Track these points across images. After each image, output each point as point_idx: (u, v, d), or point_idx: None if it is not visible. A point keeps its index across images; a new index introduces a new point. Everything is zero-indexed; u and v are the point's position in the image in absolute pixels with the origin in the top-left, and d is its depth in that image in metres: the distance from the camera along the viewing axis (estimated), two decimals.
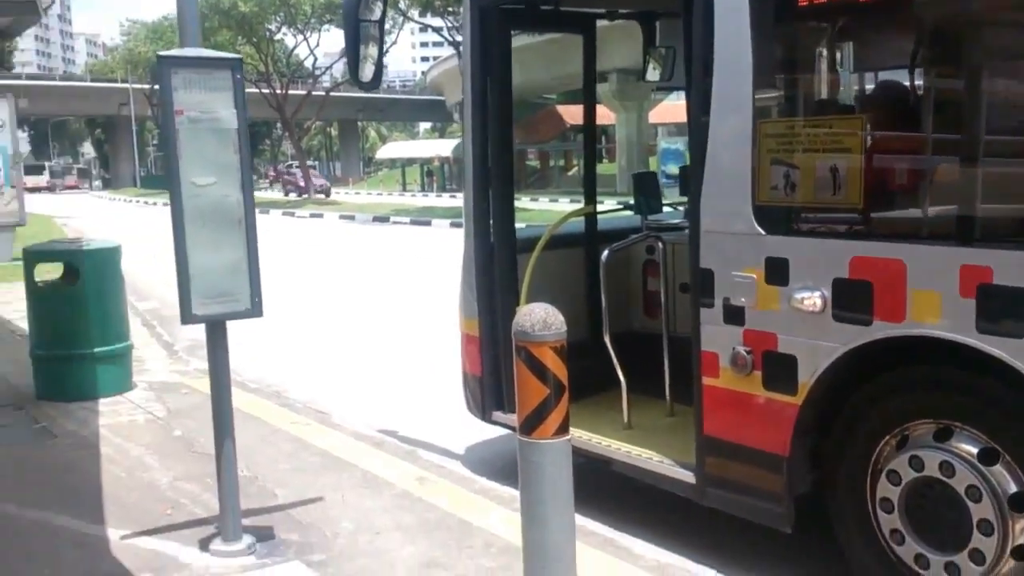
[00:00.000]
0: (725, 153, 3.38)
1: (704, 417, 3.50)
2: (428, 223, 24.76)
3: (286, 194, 46.07)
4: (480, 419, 4.74)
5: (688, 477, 3.63)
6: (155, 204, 40.90)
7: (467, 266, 4.62)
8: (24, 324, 9.24)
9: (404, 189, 54.45)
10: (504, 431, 4.75)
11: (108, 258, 6.38)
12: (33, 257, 6.46)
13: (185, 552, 3.70)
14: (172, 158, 3.39)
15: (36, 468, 4.89)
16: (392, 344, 8.56)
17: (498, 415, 4.58)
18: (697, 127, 3.48)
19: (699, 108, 3.46)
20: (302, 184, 45.27)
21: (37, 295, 6.37)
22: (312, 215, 29.70)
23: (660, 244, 4.69)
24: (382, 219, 27.32)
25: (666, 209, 5.46)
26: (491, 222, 4.50)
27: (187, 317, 3.48)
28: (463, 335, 4.78)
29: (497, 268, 4.49)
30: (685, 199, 4.22)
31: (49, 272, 6.62)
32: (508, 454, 4.84)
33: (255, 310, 3.58)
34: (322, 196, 42.38)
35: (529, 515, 2.89)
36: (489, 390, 4.58)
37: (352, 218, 28.45)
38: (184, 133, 3.39)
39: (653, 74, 5.23)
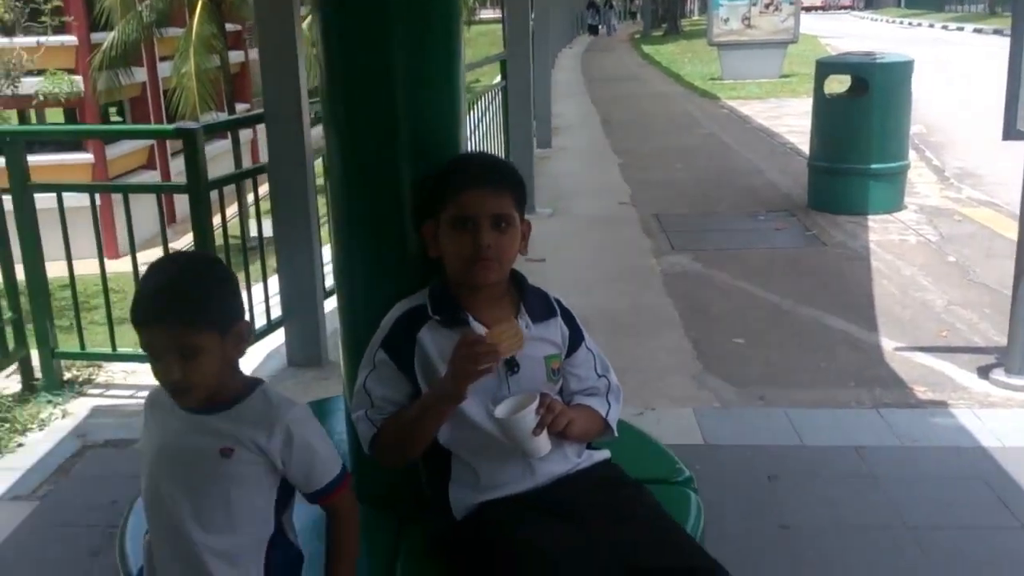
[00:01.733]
0: None
1: None
2: None
3: None
4: None
5: None
6: (919, 25, 39.68)
7: None
8: (791, 138, 10.09)
9: None
10: None
11: (900, 73, 6.50)
12: (825, 69, 6.89)
13: (961, 375, 3.84)
14: None
15: (808, 271, 5.45)
16: None
17: None
18: None
19: None
20: None
21: (823, 108, 6.82)
22: None
23: None
24: None
25: None
26: None
27: (1009, 132, 3.45)
28: None
29: None
30: None
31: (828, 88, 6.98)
32: None
33: None
34: None
35: None
36: None
37: None
38: None
39: None
